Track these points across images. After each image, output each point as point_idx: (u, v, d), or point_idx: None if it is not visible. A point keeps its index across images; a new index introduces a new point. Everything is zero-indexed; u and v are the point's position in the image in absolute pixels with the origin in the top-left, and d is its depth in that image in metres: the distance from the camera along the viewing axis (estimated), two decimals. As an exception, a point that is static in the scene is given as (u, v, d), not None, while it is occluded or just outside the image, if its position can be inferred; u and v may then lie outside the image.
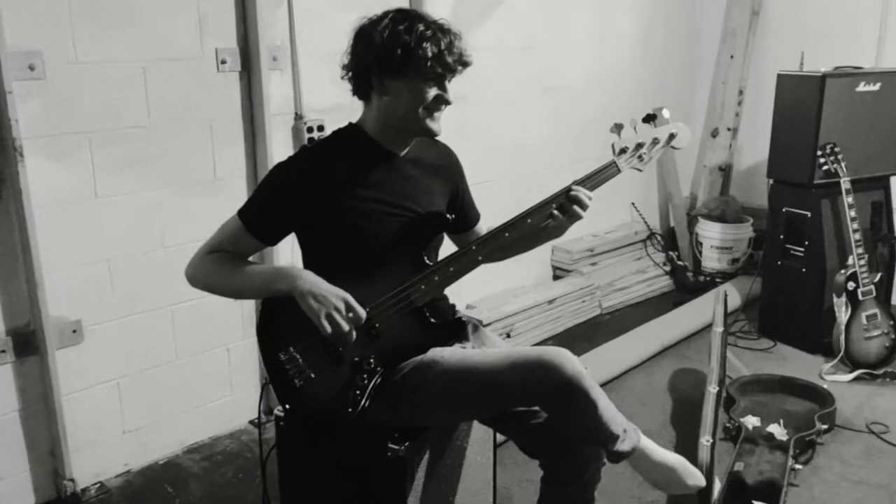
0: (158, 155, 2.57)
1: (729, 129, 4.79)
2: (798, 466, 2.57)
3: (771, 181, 3.65)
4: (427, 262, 1.73)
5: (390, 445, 1.70)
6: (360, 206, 1.70)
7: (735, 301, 4.04)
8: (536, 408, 1.71)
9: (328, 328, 1.59)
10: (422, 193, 1.80)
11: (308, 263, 1.78)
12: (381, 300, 1.69)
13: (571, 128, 4.08)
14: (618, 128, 1.89)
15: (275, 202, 1.69)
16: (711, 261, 4.60)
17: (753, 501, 2.38)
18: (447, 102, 1.73)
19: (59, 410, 2.44)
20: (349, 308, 1.62)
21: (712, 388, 2.63)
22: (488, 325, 3.50)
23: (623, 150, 1.88)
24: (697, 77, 4.86)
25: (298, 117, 2.88)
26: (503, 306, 3.64)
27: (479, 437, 2.03)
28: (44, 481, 2.51)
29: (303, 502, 1.94)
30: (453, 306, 1.93)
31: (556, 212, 1.76)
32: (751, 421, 2.80)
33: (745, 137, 4.79)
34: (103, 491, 2.59)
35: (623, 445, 1.75)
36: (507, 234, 1.76)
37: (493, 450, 2.11)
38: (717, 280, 4.50)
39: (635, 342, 3.57)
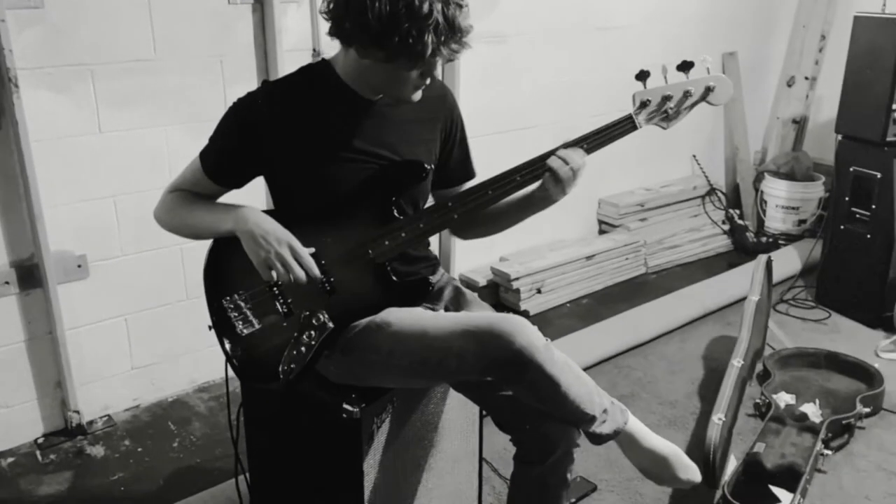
0: (166, 91, 2.50)
1: (807, 79, 4.38)
2: (827, 452, 2.34)
3: (839, 137, 3.31)
4: (395, 215, 1.59)
5: (345, 406, 1.60)
6: (321, 150, 1.56)
7: (794, 266, 3.74)
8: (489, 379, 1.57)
9: (267, 274, 1.49)
10: (401, 139, 1.63)
11: (275, 207, 1.67)
12: (338, 253, 1.57)
13: (625, 72, 3.77)
14: (643, 76, 1.60)
15: (230, 143, 1.57)
16: (775, 221, 4.26)
17: (770, 486, 2.19)
18: (434, 78, 1.55)
19: (64, 343, 2.46)
20: (294, 253, 1.50)
21: (736, 362, 2.41)
22: (516, 279, 3.35)
23: (645, 104, 1.60)
24: (775, 19, 4.44)
25: (316, 54, 2.75)
26: (535, 261, 3.47)
27: (462, 401, 1.90)
28: (52, 411, 2.55)
29: (267, 463, 1.88)
30: (435, 264, 1.79)
31: (547, 174, 1.55)
32: (784, 398, 2.58)
33: (825, 88, 4.37)
34: (110, 424, 2.62)
35: (602, 428, 1.59)
36: (490, 192, 1.59)
37: (479, 417, 1.99)
38: (781, 242, 4.18)
39: (674, 304, 3.36)
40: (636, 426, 1.64)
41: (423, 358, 1.52)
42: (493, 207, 1.62)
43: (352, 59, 1.51)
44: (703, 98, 1.63)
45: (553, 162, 1.55)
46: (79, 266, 2.48)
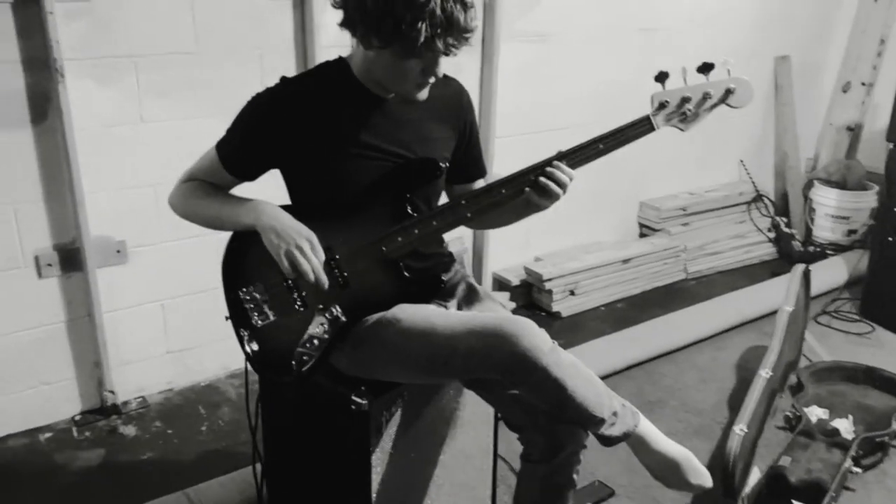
0: (206, 82, 2.56)
1: (863, 84, 4.24)
2: (857, 470, 2.27)
3: (891, 145, 3.20)
4: (409, 212, 1.61)
5: (353, 398, 1.62)
6: (337, 147, 1.58)
7: (840, 277, 3.63)
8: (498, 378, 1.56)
9: (287, 266, 1.52)
10: (417, 138, 1.65)
11: (292, 201, 1.71)
12: (352, 248, 1.59)
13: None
14: (663, 76, 1.59)
15: (248, 137, 1.61)
16: (824, 230, 4.15)
17: (793, 501, 2.14)
18: (437, 76, 1.56)
19: (101, 326, 2.55)
20: (312, 248, 1.53)
21: (764, 373, 2.36)
22: (549, 280, 3.33)
23: (663, 105, 1.59)
24: (831, 22, 4.31)
25: (354, 50, 2.78)
26: (569, 262, 3.45)
27: (476, 397, 1.91)
28: (88, 390, 2.65)
29: (282, 452, 1.92)
30: (448, 261, 1.80)
31: (532, 186, 1.55)
32: (816, 412, 2.51)
33: (883, 95, 4.22)
34: (143, 405, 2.71)
35: (612, 430, 1.58)
36: (504, 191, 1.59)
37: (494, 414, 1.99)
38: (829, 252, 4.06)
39: (710, 312, 3.30)
40: (648, 429, 1.62)
41: (431, 355, 1.53)
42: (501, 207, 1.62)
43: (360, 53, 1.55)
44: (723, 100, 1.61)
45: (546, 174, 1.55)
46: (118, 251, 2.57)
